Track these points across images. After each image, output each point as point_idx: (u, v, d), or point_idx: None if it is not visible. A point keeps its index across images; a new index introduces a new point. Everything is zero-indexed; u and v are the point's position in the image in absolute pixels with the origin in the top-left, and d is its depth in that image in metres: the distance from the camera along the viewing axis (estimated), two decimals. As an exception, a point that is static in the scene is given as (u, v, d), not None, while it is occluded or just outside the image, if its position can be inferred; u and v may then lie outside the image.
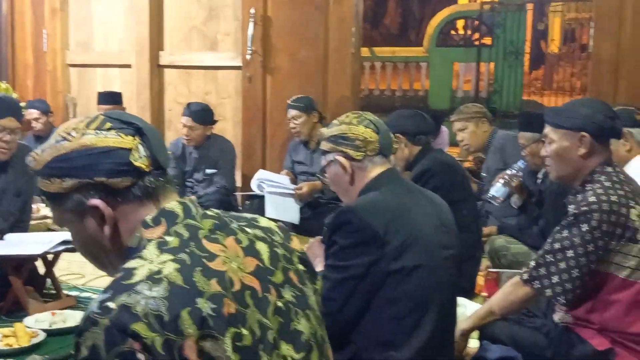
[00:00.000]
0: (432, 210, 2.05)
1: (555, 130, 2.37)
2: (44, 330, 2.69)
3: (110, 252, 1.17)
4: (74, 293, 3.29)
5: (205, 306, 1.03)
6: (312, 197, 4.62)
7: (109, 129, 1.15)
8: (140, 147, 1.15)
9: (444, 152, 3.70)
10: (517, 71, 12.25)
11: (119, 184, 1.13)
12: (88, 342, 0.99)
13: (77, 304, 3.11)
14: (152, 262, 1.07)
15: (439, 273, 1.96)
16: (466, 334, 2.36)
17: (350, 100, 5.17)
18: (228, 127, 5.50)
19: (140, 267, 1.06)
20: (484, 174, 4.36)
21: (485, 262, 3.61)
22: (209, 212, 1.20)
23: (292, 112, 4.67)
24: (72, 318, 2.83)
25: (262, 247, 1.21)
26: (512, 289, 2.33)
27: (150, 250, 1.09)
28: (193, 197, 1.24)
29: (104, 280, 3.49)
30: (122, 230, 1.15)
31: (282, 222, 4.36)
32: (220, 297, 1.06)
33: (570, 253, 2.22)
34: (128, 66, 5.78)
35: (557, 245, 2.25)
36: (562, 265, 2.22)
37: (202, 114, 4.73)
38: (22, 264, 2.96)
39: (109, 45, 5.96)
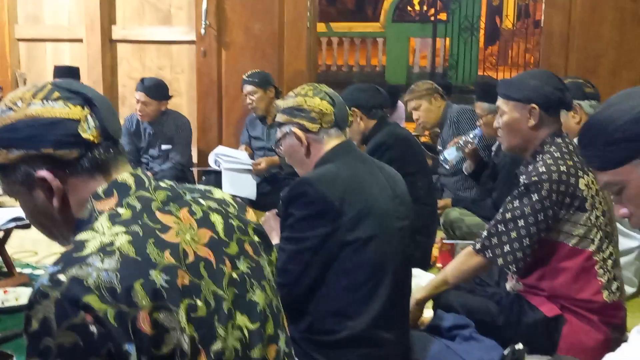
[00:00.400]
0: (386, 181, 2.06)
1: (506, 102, 2.41)
2: (-4, 308, 2.65)
3: (61, 224, 1.15)
4: (27, 271, 3.23)
5: (158, 278, 1.03)
6: (270, 172, 4.62)
7: (56, 99, 1.11)
8: (90, 118, 1.12)
9: (400, 125, 3.72)
10: (472, 47, 12.36)
11: (67, 156, 1.10)
12: (39, 314, 0.98)
13: (30, 281, 3.06)
14: (103, 234, 1.05)
15: (393, 243, 1.99)
16: (421, 303, 2.40)
17: (307, 75, 5.15)
18: (183, 102, 5.43)
19: (91, 240, 1.04)
20: (440, 148, 4.41)
21: (440, 234, 3.67)
22: (162, 184, 1.19)
23: (248, 88, 4.63)
24: (25, 295, 2.79)
25: (216, 219, 1.19)
26: (464, 259, 2.37)
27: (102, 222, 1.07)
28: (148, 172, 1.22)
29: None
30: (72, 202, 1.13)
31: (240, 197, 4.40)
32: (174, 268, 1.06)
33: (521, 222, 2.26)
34: (79, 40, 5.65)
35: (508, 215, 2.29)
36: (513, 234, 2.27)
37: (156, 89, 4.66)
38: (-29, 241, 2.89)
39: (59, 18, 5.80)
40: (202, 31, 5.11)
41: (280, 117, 2.14)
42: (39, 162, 1.10)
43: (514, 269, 2.29)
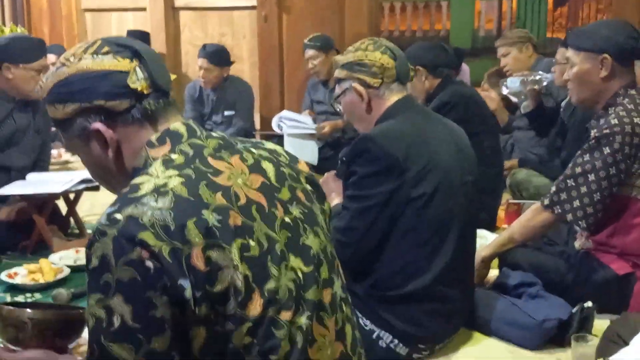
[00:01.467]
0: (450, 136, 2.01)
1: (576, 52, 2.31)
2: (69, 267, 2.73)
3: (117, 174, 1.19)
4: (96, 232, 3.32)
5: (210, 217, 1.05)
6: (333, 136, 4.60)
7: (105, 53, 1.15)
8: (138, 70, 1.15)
9: (465, 84, 3.61)
10: (540, 8, 11.96)
11: (118, 107, 1.14)
12: (98, 252, 1.02)
13: (100, 242, 3.14)
14: (157, 177, 1.09)
15: (458, 198, 1.94)
16: (487, 261, 2.36)
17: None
18: (245, 68, 5.46)
19: (146, 182, 1.08)
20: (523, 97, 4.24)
21: (506, 196, 3.58)
22: (213, 133, 1.22)
23: (310, 52, 4.60)
24: (96, 255, 2.87)
25: (267, 166, 1.21)
26: (532, 215, 2.31)
27: (156, 167, 1.11)
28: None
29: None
30: (126, 152, 1.17)
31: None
32: (226, 209, 1.08)
33: (591, 177, 2.18)
34: (143, 9, 5.73)
35: (578, 170, 2.21)
36: (583, 189, 2.19)
37: (218, 55, 4.68)
38: (44, 202, 2.98)
39: (124, -13, 5.90)
40: (263, -4, 5.10)
41: (339, 73, 2.09)
42: (92, 114, 1.15)
43: (584, 225, 2.22)
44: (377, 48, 2.04)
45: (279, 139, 4.59)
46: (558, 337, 2.06)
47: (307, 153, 4.50)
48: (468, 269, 2.07)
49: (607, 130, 2.18)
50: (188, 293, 1.01)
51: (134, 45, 1.17)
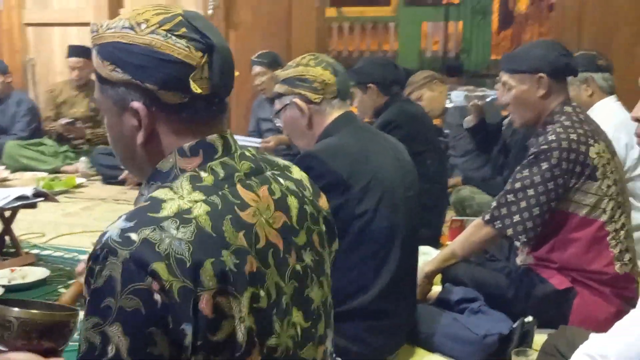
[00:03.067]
0: (391, 151, 2.02)
1: (512, 75, 2.37)
2: (3, 286, 2.63)
3: (139, 161, 1.09)
4: (34, 251, 3.22)
5: (228, 260, 0.96)
6: (278, 151, 4.58)
7: (180, 36, 1.03)
8: (205, 68, 1.03)
9: (411, 102, 3.64)
10: (485, 30, 12.23)
11: (168, 99, 1.03)
12: (104, 271, 0.93)
13: (37, 261, 3.05)
14: (182, 197, 0.99)
15: (400, 213, 1.94)
16: (430, 277, 2.37)
17: (316, 56, 5.10)
18: (192, 85, 5.40)
19: (169, 201, 0.98)
20: (447, 130, 4.35)
21: (450, 213, 3.62)
22: (246, 152, 1.12)
23: (257, 69, 4.59)
24: (32, 274, 2.78)
25: (292, 203, 1.13)
26: (473, 230, 2.33)
27: (183, 184, 1.01)
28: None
29: (66, 239, 3.43)
30: (156, 146, 1.06)
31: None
32: (245, 252, 1.00)
33: (530, 192, 2.22)
34: (87, 24, 5.62)
35: (517, 185, 2.25)
36: (523, 204, 2.23)
37: None
38: (-23, 220, 2.88)
39: (67, 2, 5.79)
40: (210, 12, 5.07)
41: (280, 88, 2.07)
42: (139, 93, 1.04)
43: (524, 240, 2.25)
44: (319, 64, 2.03)
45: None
46: (499, 351, 2.07)
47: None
48: (411, 285, 2.07)
49: (545, 146, 2.22)
50: (188, 340, 0.93)
51: (211, 37, 1.04)
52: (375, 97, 3.20)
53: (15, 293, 2.62)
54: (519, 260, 2.43)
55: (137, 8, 1.07)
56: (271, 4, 5.10)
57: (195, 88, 1.02)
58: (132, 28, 1.04)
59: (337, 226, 1.84)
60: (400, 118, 3.09)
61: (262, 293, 1.01)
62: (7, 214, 3.02)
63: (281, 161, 1.21)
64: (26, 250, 3.16)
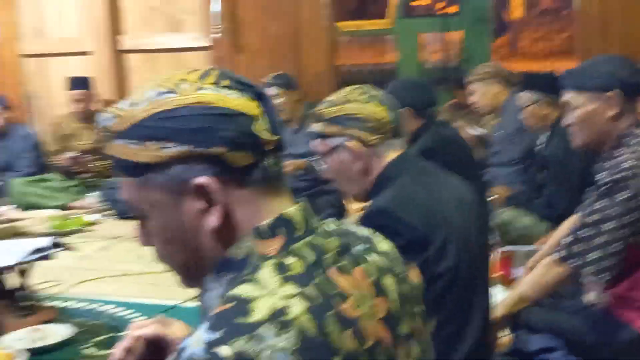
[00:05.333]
0: (460, 195, 1.80)
1: (578, 93, 2.16)
2: (28, 350, 2.40)
3: (204, 254, 0.88)
4: (53, 303, 2.99)
5: None
6: (296, 176, 4.38)
7: (228, 87, 0.86)
8: (264, 117, 0.87)
9: (447, 124, 3.45)
10: (483, 38, 12.10)
11: (240, 160, 0.84)
12: None
13: (57, 316, 2.82)
14: (273, 293, 0.79)
15: (480, 265, 1.73)
16: (500, 324, 2.15)
17: (328, 76, 4.92)
18: (200, 111, 5.20)
19: (259, 299, 0.78)
20: (498, 132, 4.10)
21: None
22: (330, 225, 0.93)
23: (272, 91, 4.38)
24: (55, 333, 2.55)
25: (389, 283, 0.94)
26: (545, 270, 2.12)
27: (269, 274, 0.81)
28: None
29: (85, 287, 3.21)
30: (230, 229, 0.86)
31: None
32: (356, 356, 0.81)
33: (606, 226, 2.02)
34: (87, 53, 5.43)
35: (592, 219, 2.04)
36: (599, 239, 2.02)
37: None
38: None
39: (65, 31, 5.59)
40: (218, 35, 4.88)
41: (326, 128, 1.81)
42: (202, 164, 0.84)
43: (605, 278, 2.04)
44: (371, 99, 1.79)
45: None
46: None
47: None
48: (492, 340, 1.85)
49: (619, 175, 2.02)
50: None
51: (253, 84, 0.90)
52: (410, 122, 3.00)
53: (40, 356, 2.41)
54: (589, 298, 2.23)
55: (154, 79, 0.89)
56: (278, 24, 4.92)
57: (266, 138, 0.85)
58: (172, 92, 0.85)
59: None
60: (439, 145, 2.89)
61: None
62: (23, 267, 2.79)
63: (361, 230, 1.01)
64: (45, 304, 2.93)
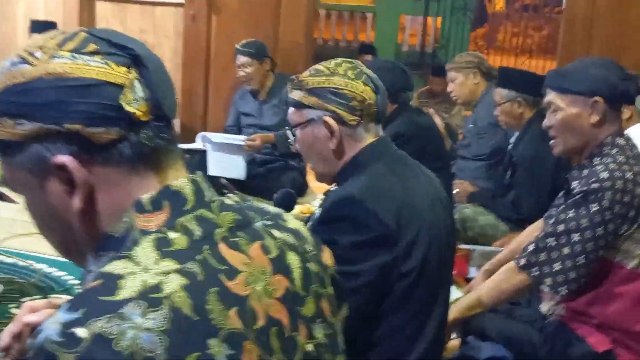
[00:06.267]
0: (432, 189, 1.66)
1: (562, 96, 2.05)
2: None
3: (80, 234, 0.81)
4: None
5: (219, 352, 0.72)
6: (263, 151, 4.23)
7: (92, 53, 0.78)
8: (137, 84, 0.78)
9: (421, 111, 3.32)
10: (463, 27, 12.03)
11: (101, 137, 0.77)
12: None
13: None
14: (147, 269, 0.74)
15: (446, 268, 1.62)
16: (452, 326, 2.05)
17: (304, 48, 4.76)
18: (167, 69, 5.00)
19: (129, 276, 0.73)
20: (471, 125, 3.99)
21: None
22: (226, 201, 0.86)
23: (242, 59, 4.20)
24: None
25: (293, 261, 0.87)
26: (505, 277, 2.03)
27: (145, 250, 0.76)
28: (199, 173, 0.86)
29: (20, 242, 3.03)
30: (101, 205, 0.79)
31: (227, 179, 3.99)
32: (241, 337, 0.75)
33: (576, 237, 1.92)
34: (56, -6, 5.18)
35: (560, 228, 1.95)
36: (566, 250, 1.93)
37: None
38: None
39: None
40: (192, -8, 4.68)
41: (305, 98, 1.64)
42: (59, 142, 0.77)
43: (566, 291, 1.95)
44: (358, 76, 1.63)
45: (202, 154, 4.18)
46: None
47: (235, 168, 4.11)
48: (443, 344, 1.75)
49: (596, 185, 1.92)
50: None
51: (133, 46, 0.80)
52: None
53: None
54: (544, 308, 2.15)
55: (23, 44, 0.82)
56: (259, -12, 4.74)
57: (133, 111, 0.77)
58: (24, 61, 0.78)
59: (381, 288, 1.52)
60: (410, 131, 2.78)
61: None
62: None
63: (270, 208, 0.95)
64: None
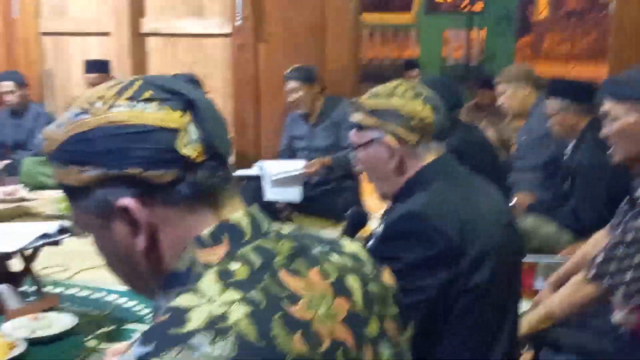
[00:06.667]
0: (496, 204, 1.68)
1: (619, 104, 2.04)
2: (27, 340, 2.31)
3: (147, 272, 0.87)
4: (57, 290, 2.91)
5: None
6: (320, 173, 4.26)
7: (148, 100, 0.83)
8: (192, 128, 0.83)
9: (474, 127, 3.32)
10: (507, 38, 11.96)
11: (160, 179, 0.82)
12: None
13: (61, 302, 2.73)
14: (212, 300, 0.77)
15: (513, 284, 1.62)
16: (523, 342, 2.04)
17: (351, 70, 4.81)
18: (217, 99, 5.10)
19: (195, 308, 0.76)
20: (524, 137, 3.96)
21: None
22: (283, 230, 0.89)
23: (292, 84, 4.28)
24: (57, 322, 2.46)
25: (353, 284, 0.89)
26: (575, 288, 2.01)
27: (209, 282, 0.79)
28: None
29: (91, 274, 3.12)
30: (164, 244, 0.85)
31: (283, 201, 4.03)
32: None
33: None
34: (107, 34, 5.34)
35: (629, 237, 1.92)
36: (637, 259, 1.90)
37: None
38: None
39: (85, 10, 5.50)
40: (238, 22, 4.77)
41: (366, 119, 1.71)
42: (121, 186, 0.83)
43: (638, 301, 1.92)
44: (416, 96, 1.68)
45: (256, 180, 4.24)
46: None
47: (291, 191, 4.14)
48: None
49: (662, 192, 1.90)
50: None
51: (186, 91, 0.85)
52: None
53: (40, 346, 2.32)
54: (616, 318, 2.11)
55: (84, 94, 0.88)
56: (303, 14, 4.81)
57: (188, 154, 0.82)
58: (86, 112, 0.84)
59: (444, 304, 1.54)
60: (464, 147, 2.77)
61: None
62: (28, 252, 2.71)
63: (326, 234, 0.99)
64: (50, 289, 2.85)
